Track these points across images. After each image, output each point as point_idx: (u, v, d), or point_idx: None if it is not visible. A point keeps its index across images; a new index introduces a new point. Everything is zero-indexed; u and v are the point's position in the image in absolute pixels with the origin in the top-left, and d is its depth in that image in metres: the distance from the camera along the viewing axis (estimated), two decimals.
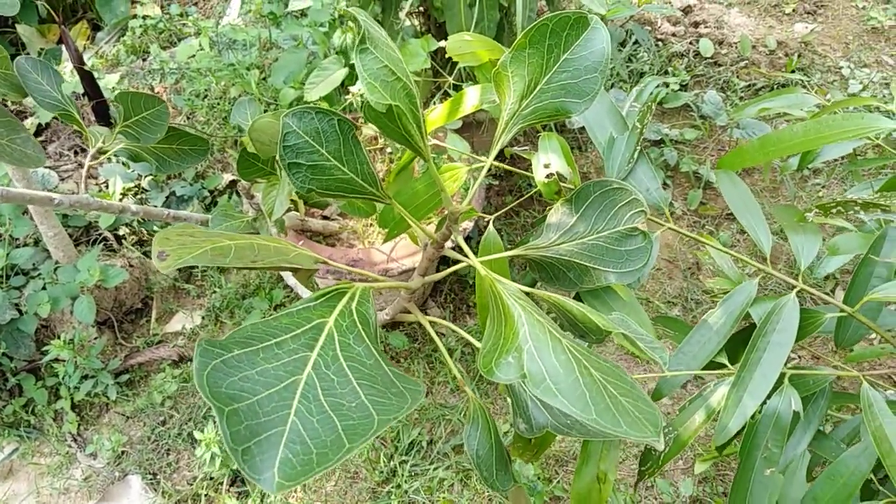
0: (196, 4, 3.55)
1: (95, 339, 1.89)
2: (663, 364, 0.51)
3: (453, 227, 0.55)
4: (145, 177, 2.24)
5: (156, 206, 2.21)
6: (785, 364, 0.70)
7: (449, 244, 0.64)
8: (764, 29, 2.88)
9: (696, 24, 2.94)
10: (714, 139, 2.43)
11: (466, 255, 0.55)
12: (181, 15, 3.29)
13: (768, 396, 0.66)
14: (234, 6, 3.30)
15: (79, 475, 1.81)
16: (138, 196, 2.24)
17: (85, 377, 1.84)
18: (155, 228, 2.12)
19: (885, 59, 2.75)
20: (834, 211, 0.75)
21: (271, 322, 0.43)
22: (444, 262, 1.89)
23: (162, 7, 3.36)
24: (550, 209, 0.66)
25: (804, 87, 2.56)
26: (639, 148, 0.75)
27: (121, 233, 2.06)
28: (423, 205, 0.83)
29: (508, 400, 0.61)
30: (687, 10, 3.04)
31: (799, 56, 2.70)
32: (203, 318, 2.03)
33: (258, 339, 0.41)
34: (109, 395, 1.86)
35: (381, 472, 1.70)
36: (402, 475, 1.68)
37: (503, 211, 0.96)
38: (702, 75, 2.66)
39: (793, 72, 2.64)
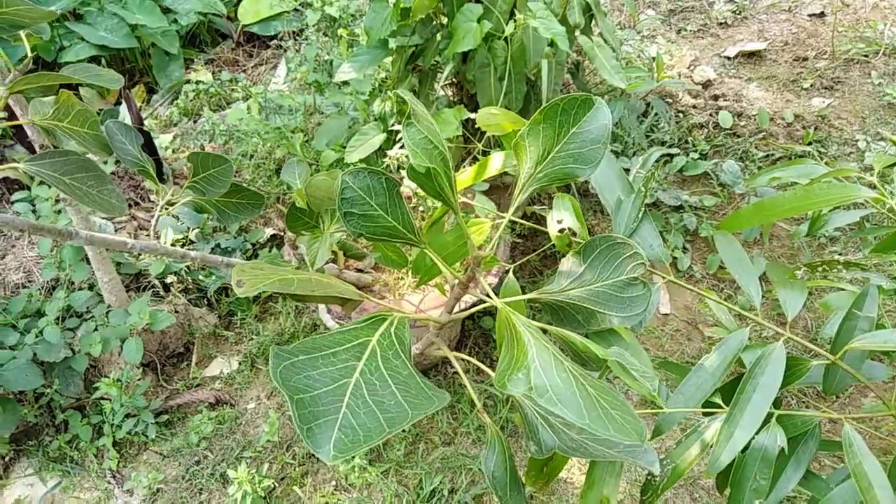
0: (245, 71, 3.82)
1: (140, 380, 2.01)
2: (653, 390, 0.60)
3: (477, 270, 0.65)
4: (192, 230, 2.40)
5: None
6: (777, 408, 0.77)
7: (473, 289, 0.74)
8: (782, 103, 3.00)
9: (715, 98, 3.07)
10: (733, 206, 2.52)
11: (489, 296, 0.65)
12: (231, 81, 3.55)
13: (756, 433, 0.74)
14: (280, 74, 3.55)
15: None
16: (185, 247, 2.40)
17: (128, 416, 1.95)
18: (200, 278, 2.26)
19: None
20: (819, 269, 0.84)
21: (328, 337, 0.53)
22: (468, 319, 1.97)
23: (213, 73, 3.63)
24: (561, 259, 0.76)
25: (815, 158, 2.65)
26: (643, 209, 0.85)
27: (168, 281, 2.20)
28: (451, 255, 0.93)
29: (521, 429, 0.69)
30: (707, 85, 3.19)
31: (816, 129, 2.80)
32: (240, 363, 2.14)
33: (318, 349, 0.51)
34: (149, 433, 1.96)
35: None
36: None
37: (522, 261, 1.06)
38: (721, 145, 2.77)
39: (809, 143, 2.74)
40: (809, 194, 0.88)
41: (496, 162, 0.84)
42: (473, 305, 0.84)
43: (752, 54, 3.40)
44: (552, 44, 1.92)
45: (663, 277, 0.83)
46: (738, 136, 2.81)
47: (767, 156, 2.70)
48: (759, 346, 0.79)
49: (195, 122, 3.27)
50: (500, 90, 1.87)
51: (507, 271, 0.84)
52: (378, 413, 0.47)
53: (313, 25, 3.32)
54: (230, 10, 3.89)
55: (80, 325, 1.99)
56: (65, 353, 1.88)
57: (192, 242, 2.40)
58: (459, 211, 0.61)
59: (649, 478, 0.79)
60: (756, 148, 2.74)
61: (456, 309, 0.74)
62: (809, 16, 3.59)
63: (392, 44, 1.97)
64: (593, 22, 2.09)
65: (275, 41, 3.84)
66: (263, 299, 2.27)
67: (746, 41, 3.50)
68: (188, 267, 2.30)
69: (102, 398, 1.93)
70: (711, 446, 0.75)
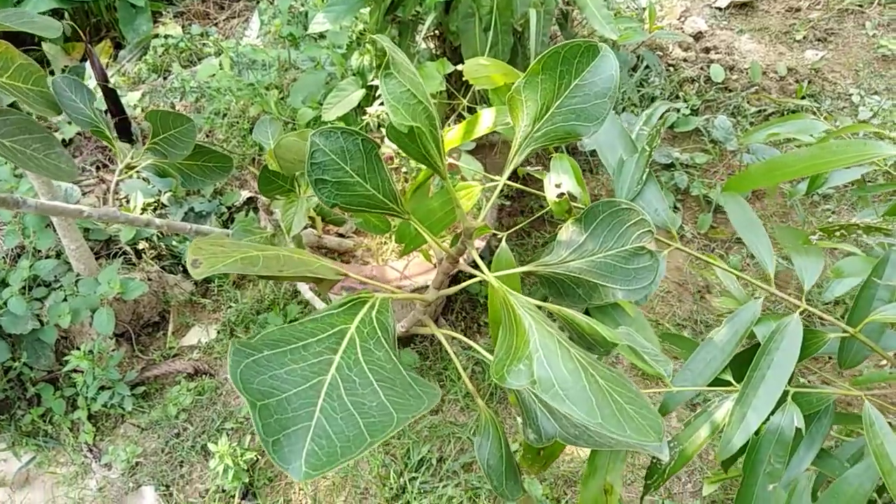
0: (216, 25, 3.64)
1: (113, 350, 1.93)
2: (667, 376, 0.53)
3: (468, 243, 0.58)
4: (164, 193, 2.30)
5: (176, 220, 2.26)
6: (789, 383, 0.72)
7: (463, 260, 0.67)
8: (774, 55, 2.92)
9: (707, 50, 2.98)
10: (724, 163, 2.46)
11: (481, 270, 0.58)
12: (202, 35, 3.38)
13: (771, 413, 0.68)
14: (253, 27, 3.39)
15: (94, 485, 1.84)
16: (157, 212, 2.29)
17: (102, 388, 1.87)
18: (174, 244, 2.16)
19: (895, 86, 2.77)
20: (837, 234, 0.77)
21: (298, 327, 0.46)
22: (456, 280, 1.91)
23: (183, 27, 3.45)
24: (561, 228, 0.69)
25: (813, 113, 2.58)
26: (647, 170, 0.78)
27: (140, 247, 2.11)
28: (438, 221, 0.86)
29: (518, 418, 0.63)
30: (698, 37, 3.09)
31: (809, 82, 2.73)
32: (218, 332, 2.06)
33: (286, 342, 0.44)
34: (125, 406, 1.89)
35: (391, 488, 1.71)
36: (412, 492, 1.70)
37: (515, 229, 0.99)
38: (712, 100, 2.69)
39: (803, 98, 2.67)
40: (825, 152, 0.81)
41: (486, 120, 0.76)
42: (459, 277, 0.76)
43: (743, 5, 3.29)
44: None
45: (668, 245, 0.77)
46: (730, 91, 2.73)
47: (760, 111, 2.63)
48: (773, 319, 0.73)
49: (165, 78, 3.12)
50: (485, 42, 1.77)
51: (500, 239, 0.77)
52: (358, 417, 0.40)
53: None
54: None
55: (48, 295, 1.90)
56: (32, 324, 1.80)
57: (164, 206, 2.30)
58: (447, 175, 0.53)
59: (655, 462, 0.73)
60: (748, 103, 2.66)
61: (444, 283, 0.66)
62: None
63: None
64: None
65: None
66: None
67: None
68: (161, 232, 2.20)
69: (75, 370, 1.86)
70: (722, 428, 0.69)
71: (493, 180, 0.82)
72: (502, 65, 0.77)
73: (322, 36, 2.84)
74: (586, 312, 0.73)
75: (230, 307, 2.10)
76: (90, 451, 1.89)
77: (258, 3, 3.43)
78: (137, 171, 1.06)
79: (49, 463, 1.89)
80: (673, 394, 0.74)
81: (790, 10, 3.24)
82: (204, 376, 1.97)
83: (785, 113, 2.60)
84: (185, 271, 2.19)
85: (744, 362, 0.76)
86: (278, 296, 2.10)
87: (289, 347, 0.44)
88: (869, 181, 2.10)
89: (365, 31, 2.57)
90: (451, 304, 2.07)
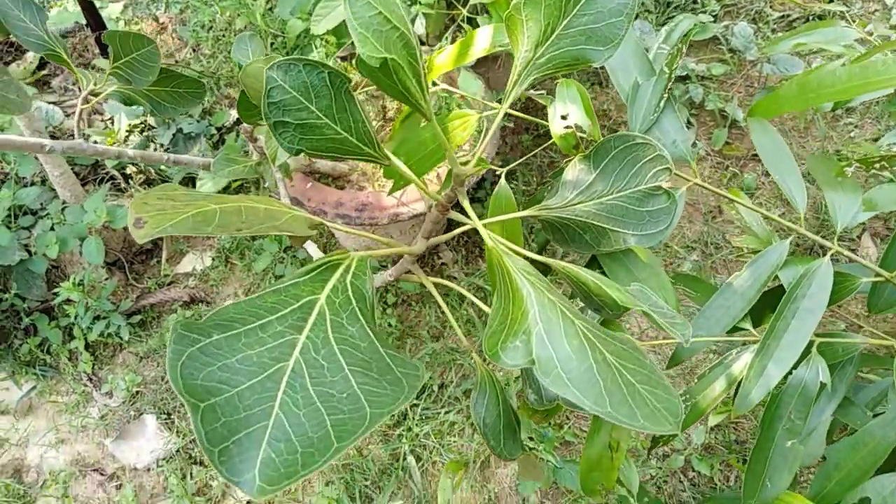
0: None
1: (106, 280, 1.89)
2: (685, 341, 0.47)
3: (459, 191, 0.50)
4: (152, 113, 2.19)
5: (159, 147, 2.16)
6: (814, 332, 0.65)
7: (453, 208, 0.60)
8: None
9: None
10: (743, 75, 2.32)
11: (473, 222, 0.51)
12: None
13: (794, 366, 0.62)
14: None
15: (95, 413, 1.85)
16: (144, 133, 2.19)
17: (97, 318, 1.84)
18: (162, 167, 2.08)
19: None
20: (877, 166, 0.69)
21: (255, 301, 0.39)
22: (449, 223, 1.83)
23: None
24: (567, 164, 0.61)
25: (843, 18, 2.41)
26: (666, 95, 0.69)
27: (128, 171, 2.03)
28: (431, 155, 0.78)
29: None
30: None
31: None
32: (213, 258, 2.01)
33: (241, 322, 0.37)
34: (122, 335, 1.87)
35: (393, 415, 1.70)
36: (413, 419, 1.69)
37: (516, 164, 0.91)
38: (732, 5, 2.51)
39: (831, 1, 2.48)
40: (868, 72, 0.71)
41: (482, 40, 0.67)
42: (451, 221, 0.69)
43: None
44: None
45: (687, 181, 0.69)
46: None
47: (783, 16, 2.45)
48: (801, 263, 0.66)
49: None
50: None
51: (500, 176, 0.69)
52: (325, 414, 0.34)
53: None
54: None
55: (35, 224, 1.84)
56: (20, 255, 1.74)
57: (151, 128, 2.20)
58: (433, 115, 0.45)
59: None
60: (771, 7, 2.48)
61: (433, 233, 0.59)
62: None
63: None
64: None
65: None
66: (235, 188, 2.11)
67: None
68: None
69: (68, 301, 1.82)
70: (740, 381, 0.64)
71: (492, 106, 0.73)
72: None
73: None
74: (594, 259, 0.66)
75: None
76: (90, 379, 1.89)
77: None
78: (91, 101, 0.97)
79: (50, 392, 1.89)
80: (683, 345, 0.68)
81: None
82: (200, 304, 1.94)
83: (811, 18, 2.42)
84: None
85: (765, 307, 0.70)
86: None
87: (244, 329, 0.37)
88: None
89: None
90: (451, 228, 2.00)
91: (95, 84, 0.94)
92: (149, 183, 2.06)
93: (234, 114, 2.23)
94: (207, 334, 0.36)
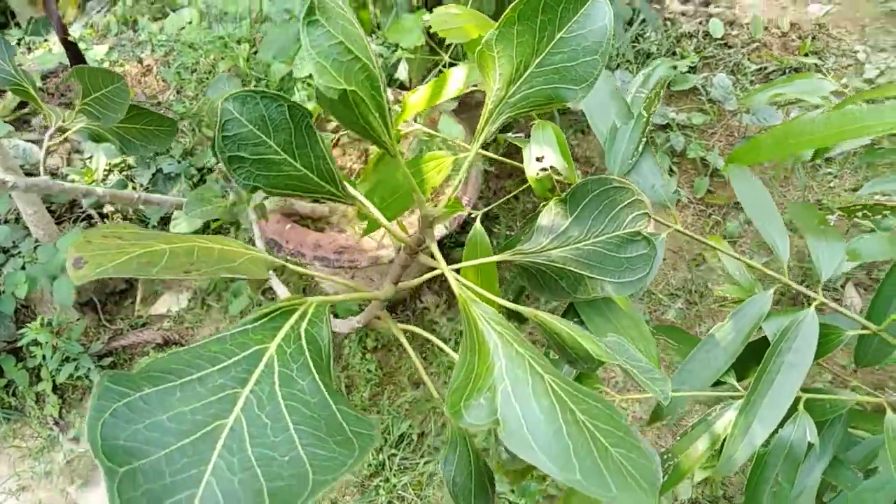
0: None
1: (77, 320, 1.83)
2: (664, 399, 0.44)
3: (427, 233, 0.47)
4: (122, 150, 2.16)
5: (139, 186, 2.13)
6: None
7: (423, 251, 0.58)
8: (777, 10, 2.77)
9: (706, 4, 2.82)
10: (723, 124, 2.34)
11: (442, 262, 0.48)
12: None
13: (780, 425, 0.59)
14: None
15: (61, 459, 1.77)
16: (124, 173, 2.16)
17: (66, 360, 1.78)
18: (141, 206, 2.04)
19: None
20: (859, 214, 0.68)
21: (197, 350, 0.36)
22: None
23: None
24: (542, 209, 0.59)
25: (818, 71, 2.46)
26: (644, 139, 0.67)
27: (105, 211, 1.99)
28: (405, 196, 0.75)
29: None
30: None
31: (813, 39, 2.59)
32: (190, 300, 1.97)
33: (177, 374, 0.34)
34: (92, 378, 1.80)
35: (370, 465, 1.64)
36: (391, 469, 1.63)
37: (492, 207, 0.89)
38: (711, 57, 2.56)
39: (806, 55, 2.54)
40: (845, 121, 0.71)
41: (456, 79, 0.65)
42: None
43: None
44: None
45: (668, 226, 0.66)
46: (730, 47, 2.60)
47: (761, 69, 2.50)
48: (785, 315, 0.63)
49: (135, 31, 2.94)
50: None
51: (475, 219, 0.66)
52: (262, 480, 0.31)
53: None
54: None
55: (5, 262, 1.79)
56: None
57: (131, 167, 2.17)
58: (398, 152, 0.43)
59: None
60: (749, 60, 2.53)
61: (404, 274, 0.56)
62: None
63: None
64: None
65: None
66: (214, 229, 2.07)
67: None
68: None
69: (35, 342, 1.76)
70: (723, 441, 0.61)
71: (467, 149, 0.71)
72: (476, 14, 0.66)
73: None
74: (571, 306, 0.64)
75: None
76: (56, 423, 1.81)
77: None
78: (59, 138, 0.94)
79: (14, 436, 1.81)
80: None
81: None
82: (174, 347, 1.88)
83: (787, 71, 2.47)
84: None
85: (749, 360, 0.67)
86: None
87: (180, 381, 0.34)
88: (876, 146, 1.99)
89: None
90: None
91: (64, 121, 0.91)
92: (126, 219, 2.02)
93: None
94: (138, 387, 0.32)
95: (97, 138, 0.90)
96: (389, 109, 0.40)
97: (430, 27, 1.60)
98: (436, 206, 0.50)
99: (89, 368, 1.78)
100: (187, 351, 0.36)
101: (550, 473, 0.33)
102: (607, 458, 0.35)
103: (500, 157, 0.71)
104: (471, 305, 0.41)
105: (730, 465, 0.59)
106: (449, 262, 0.61)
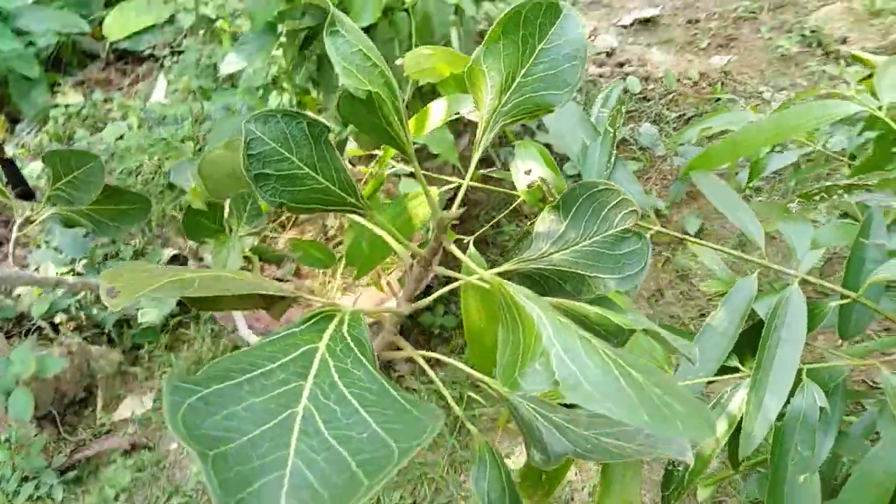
0: (120, 90, 3.45)
1: (36, 436, 1.72)
2: (693, 359, 0.46)
3: (443, 237, 0.49)
4: (80, 261, 2.11)
5: (89, 292, 2.08)
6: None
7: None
8: (685, 63, 3.00)
9: (620, 64, 3.04)
10: (656, 169, 2.48)
11: (461, 265, 0.50)
12: (105, 101, 3.20)
13: (789, 399, 0.62)
14: (159, 88, 3.21)
15: None
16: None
17: (25, 479, 1.66)
18: (94, 311, 1.98)
19: (798, 81, 2.89)
20: (817, 197, 0.73)
21: (252, 352, 0.36)
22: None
23: (84, 95, 3.26)
24: (536, 219, 0.62)
25: (741, 105, 2.65)
26: (614, 152, 0.72)
27: (57, 320, 1.92)
28: (387, 243, 0.77)
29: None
30: (610, 53, 3.16)
31: (722, 84, 2.81)
32: (154, 400, 1.88)
33: (239, 372, 0.34)
34: (55, 496, 1.68)
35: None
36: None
37: (485, 230, 0.91)
38: (634, 111, 2.73)
39: (718, 100, 2.74)
40: (792, 116, 0.78)
41: (438, 111, 0.69)
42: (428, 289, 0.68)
43: (647, 21, 3.40)
44: (457, 11, 1.78)
45: (648, 228, 0.70)
46: (649, 100, 2.79)
47: (680, 115, 2.68)
48: (772, 294, 0.67)
49: (69, 145, 2.92)
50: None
51: (468, 243, 0.69)
52: (347, 456, 0.30)
53: (188, 28, 3.04)
54: (95, 28, 3.48)
55: None
56: None
57: (80, 275, 2.11)
58: (414, 155, 0.45)
59: (670, 468, 0.65)
60: (668, 109, 2.72)
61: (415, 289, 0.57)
62: None
63: (281, 28, 1.77)
64: None
65: (149, 53, 3.44)
66: (174, 325, 2.02)
67: (639, 9, 3.49)
68: (79, 302, 2.02)
69: None
70: (740, 420, 0.62)
71: (447, 181, 0.74)
72: (448, 52, 0.70)
73: (234, 85, 2.74)
74: None
75: (164, 372, 1.92)
76: None
77: (162, 65, 3.27)
78: (46, 242, 0.93)
79: None
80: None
81: (690, 22, 3.36)
82: (142, 450, 1.78)
83: (703, 114, 2.66)
84: (111, 341, 2.01)
85: (745, 347, 0.70)
86: (217, 354, 1.94)
87: (244, 377, 0.34)
88: (800, 166, 2.15)
89: (279, 73, 2.49)
90: (402, 332, 1.96)
91: (32, 210, 0.90)
92: (80, 329, 1.95)
93: (167, 252, 2.18)
94: (205, 385, 0.32)
95: (69, 223, 0.89)
96: (405, 114, 0.43)
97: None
98: (439, 220, 0.52)
99: (51, 485, 1.66)
100: (243, 353, 0.36)
101: (621, 418, 0.34)
102: (664, 403, 0.37)
103: (480, 184, 0.74)
104: (505, 286, 0.42)
105: (751, 441, 0.60)
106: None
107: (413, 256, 0.54)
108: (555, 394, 0.64)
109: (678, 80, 2.88)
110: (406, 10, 1.64)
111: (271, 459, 0.30)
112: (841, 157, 1.22)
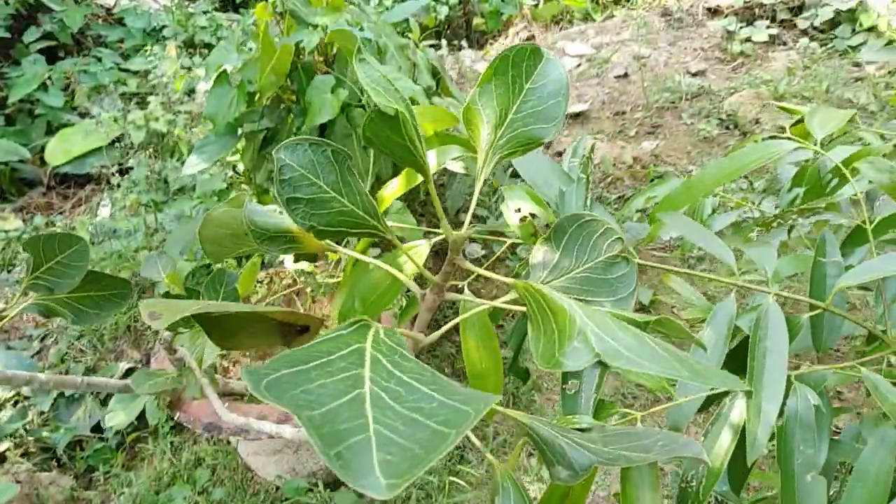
0: (62, 213, 3.42)
1: None
2: (706, 346, 0.49)
3: (457, 259, 0.52)
4: (73, 322, 2.01)
5: (38, 415, 1.97)
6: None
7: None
8: (617, 150, 3.22)
9: (559, 154, 3.23)
10: None
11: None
12: (46, 225, 3.15)
13: (785, 401, 0.65)
14: (105, 207, 3.19)
15: None
16: (19, 405, 1.99)
17: None
18: (44, 434, 1.87)
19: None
20: (774, 224, 0.80)
21: (311, 348, 0.37)
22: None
23: (24, 220, 3.21)
24: (530, 254, 0.65)
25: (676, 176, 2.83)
26: (588, 195, 0.78)
27: (3, 447, 1.79)
28: (384, 294, 0.79)
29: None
30: (547, 146, 3.36)
31: (654, 165, 3.01)
32: None
33: (304, 361, 0.35)
34: None
35: None
36: None
37: (477, 273, 0.94)
38: None
39: (652, 180, 2.93)
40: (741, 156, 0.86)
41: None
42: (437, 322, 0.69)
43: (577, 115, 3.66)
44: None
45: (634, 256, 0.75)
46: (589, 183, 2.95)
47: (619, 196, 2.84)
48: (751, 311, 0.72)
49: (10, 272, 2.84)
50: (367, 160, 1.79)
51: (462, 288, 0.71)
52: (422, 419, 0.32)
53: (139, 144, 3.08)
54: (35, 156, 3.48)
55: None
56: None
57: (27, 398, 2.00)
58: (430, 173, 0.49)
59: (683, 486, 0.66)
60: (608, 192, 2.88)
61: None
62: (616, 77, 3.97)
63: (241, 130, 1.84)
64: (440, 86, 2.11)
65: (94, 174, 3.43)
66: (131, 443, 1.91)
67: (570, 105, 3.76)
68: (26, 427, 1.90)
69: None
70: (743, 428, 0.65)
71: (433, 233, 0.78)
72: (433, 109, 0.76)
73: (182, 191, 2.77)
74: None
75: (122, 493, 1.80)
76: None
77: (108, 182, 3.26)
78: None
79: None
80: (680, 407, 0.69)
81: (618, 114, 3.63)
82: None
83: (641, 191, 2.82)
84: (61, 465, 1.88)
85: (736, 359, 0.74)
86: (180, 467, 1.84)
87: (313, 364, 0.35)
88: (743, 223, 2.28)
89: (234, 179, 2.53)
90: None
91: (7, 302, 0.88)
92: (28, 455, 1.83)
93: (122, 365, 2.10)
94: (276, 370, 0.33)
95: (48, 312, 0.87)
96: (423, 135, 0.47)
97: None
98: (453, 240, 0.55)
99: None
100: (304, 349, 0.37)
101: (664, 374, 0.37)
102: (696, 367, 0.39)
103: (474, 236, 0.78)
104: (533, 284, 0.45)
105: (757, 446, 0.63)
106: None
107: (423, 283, 0.56)
108: (567, 421, 0.66)
109: (614, 165, 3.07)
110: (362, 107, 1.73)
111: (355, 425, 0.30)
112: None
